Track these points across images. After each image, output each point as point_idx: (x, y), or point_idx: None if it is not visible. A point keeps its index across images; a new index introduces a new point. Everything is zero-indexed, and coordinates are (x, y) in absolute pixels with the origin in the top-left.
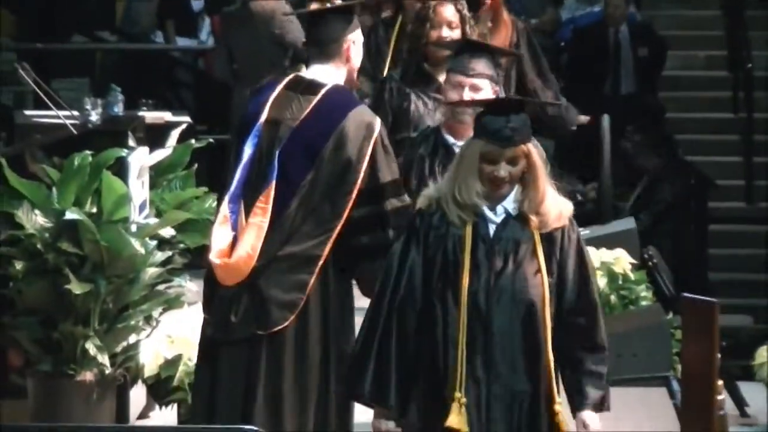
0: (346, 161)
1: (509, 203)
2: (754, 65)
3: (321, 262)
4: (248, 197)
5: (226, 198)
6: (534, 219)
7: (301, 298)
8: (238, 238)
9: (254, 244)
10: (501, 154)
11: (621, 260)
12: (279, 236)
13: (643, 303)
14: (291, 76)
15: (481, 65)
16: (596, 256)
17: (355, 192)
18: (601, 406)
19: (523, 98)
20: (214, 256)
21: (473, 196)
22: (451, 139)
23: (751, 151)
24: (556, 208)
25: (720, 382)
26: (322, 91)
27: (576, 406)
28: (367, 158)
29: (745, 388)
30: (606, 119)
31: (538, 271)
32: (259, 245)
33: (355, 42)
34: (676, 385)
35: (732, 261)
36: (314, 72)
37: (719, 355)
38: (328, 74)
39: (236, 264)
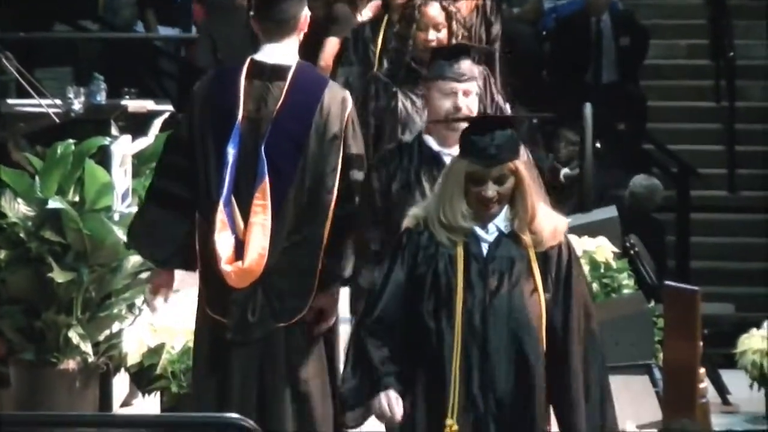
0: (330, 140)
1: (501, 221)
2: (737, 54)
3: (324, 243)
4: (241, 197)
5: (220, 203)
6: (527, 237)
7: (314, 282)
8: (243, 241)
9: (263, 244)
10: (487, 173)
11: (603, 248)
12: (282, 229)
13: (625, 291)
14: (247, 62)
15: (467, 67)
16: (578, 244)
17: (340, 166)
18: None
19: (509, 116)
20: (224, 264)
21: (459, 219)
22: (437, 147)
23: (733, 140)
24: (551, 225)
25: (702, 370)
26: (290, 75)
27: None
28: (344, 132)
29: (727, 376)
30: (588, 108)
31: (535, 290)
32: (267, 244)
33: (308, 14)
34: (658, 373)
35: (714, 249)
36: (270, 53)
37: (701, 343)
38: (284, 53)
39: (250, 268)
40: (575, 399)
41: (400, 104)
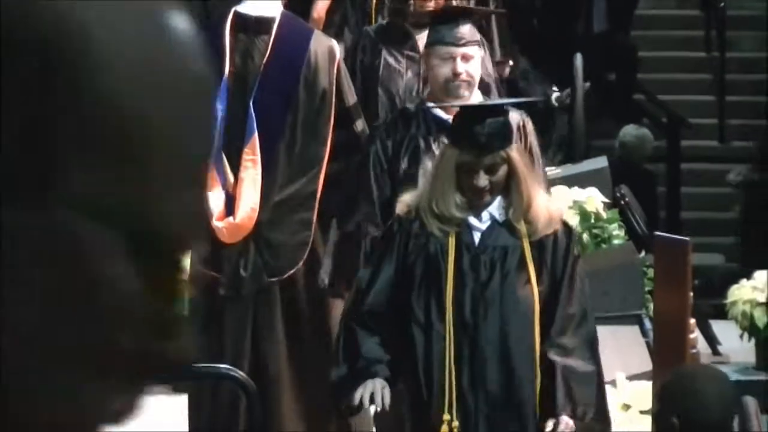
0: (321, 93)
1: (495, 209)
2: (727, 4)
3: (318, 196)
4: (231, 153)
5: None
6: (522, 226)
7: (309, 235)
8: (234, 196)
9: (255, 199)
10: (478, 162)
11: (593, 199)
12: (273, 184)
13: (616, 242)
14: (230, 16)
15: (467, 31)
16: (568, 195)
17: (333, 118)
18: (578, 412)
19: (501, 102)
20: (215, 220)
21: (452, 209)
22: (444, 115)
23: (724, 90)
24: (546, 212)
25: (692, 321)
26: (275, 27)
27: (548, 413)
28: (335, 82)
29: (717, 327)
30: (578, 58)
31: (528, 281)
32: (258, 198)
33: None
34: (648, 324)
35: (704, 200)
36: (253, 5)
37: (691, 294)
38: (267, 4)
39: (242, 223)
40: (574, 384)
41: (383, 62)
